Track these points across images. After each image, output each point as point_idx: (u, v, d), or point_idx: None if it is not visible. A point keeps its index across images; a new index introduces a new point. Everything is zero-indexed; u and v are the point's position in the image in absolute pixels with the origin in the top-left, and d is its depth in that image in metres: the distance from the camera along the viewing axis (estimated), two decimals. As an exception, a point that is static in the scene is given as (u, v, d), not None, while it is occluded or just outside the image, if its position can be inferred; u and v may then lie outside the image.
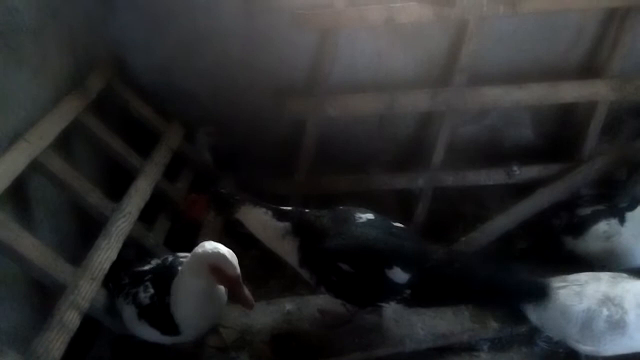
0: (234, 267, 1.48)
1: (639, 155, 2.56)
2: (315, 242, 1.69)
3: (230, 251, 1.52)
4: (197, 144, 2.62)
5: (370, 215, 1.77)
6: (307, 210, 1.79)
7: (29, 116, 1.79)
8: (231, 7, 2.40)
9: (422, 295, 1.70)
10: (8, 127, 1.69)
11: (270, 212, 1.74)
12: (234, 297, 1.53)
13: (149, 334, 1.68)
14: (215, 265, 1.49)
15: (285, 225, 1.72)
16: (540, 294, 1.76)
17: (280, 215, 1.74)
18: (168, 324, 1.61)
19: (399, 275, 1.66)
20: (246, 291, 1.51)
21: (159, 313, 1.62)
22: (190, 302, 1.58)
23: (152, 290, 1.66)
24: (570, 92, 2.52)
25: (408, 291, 1.69)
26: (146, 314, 1.65)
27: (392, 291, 1.70)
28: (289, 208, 1.78)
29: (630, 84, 2.51)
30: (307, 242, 1.70)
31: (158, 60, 2.51)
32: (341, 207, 1.81)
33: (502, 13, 2.35)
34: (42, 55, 1.90)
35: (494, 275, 1.74)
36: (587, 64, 2.64)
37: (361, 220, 1.74)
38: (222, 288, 1.67)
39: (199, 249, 1.52)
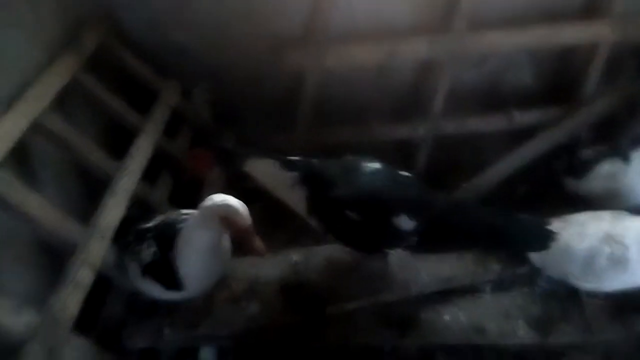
0: (246, 218, 1.49)
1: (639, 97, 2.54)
2: (323, 191, 1.69)
3: (241, 202, 1.52)
4: (195, 100, 2.59)
5: (377, 165, 1.77)
6: (314, 160, 1.78)
7: (24, 77, 1.76)
8: (224, -44, 2.32)
9: (427, 241, 1.74)
10: (4, 89, 1.67)
11: (277, 163, 1.73)
12: (246, 248, 1.54)
13: (153, 290, 1.70)
14: (227, 217, 1.49)
15: (293, 175, 1.72)
16: (543, 240, 1.78)
17: (288, 165, 1.73)
18: (171, 279, 1.63)
19: (405, 222, 1.68)
20: (258, 241, 1.52)
21: (162, 269, 1.63)
22: (195, 257, 1.60)
23: (154, 247, 1.66)
24: (571, 33, 2.49)
25: (414, 238, 1.72)
26: (149, 270, 1.66)
27: (398, 238, 1.73)
28: (296, 158, 1.77)
29: (632, 24, 2.47)
30: (315, 191, 1.71)
31: (150, 14, 2.45)
32: (349, 157, 1.80)
33: (502, -47, 2.29)
34: (34, 14, 1.86)
35: (497, 220, 1.75)
36: (588, 4, 2.58)
37: (368, 169, 1.75)
38: (226, 243, 1.69)
39: (208, 201, 1.52)
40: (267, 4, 2.44)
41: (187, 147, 2.45)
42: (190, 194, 2.24)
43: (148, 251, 1.67)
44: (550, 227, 1.80)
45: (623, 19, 2.46)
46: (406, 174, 1.82)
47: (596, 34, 2.49)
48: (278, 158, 1.74)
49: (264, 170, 1.75)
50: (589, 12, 2.57)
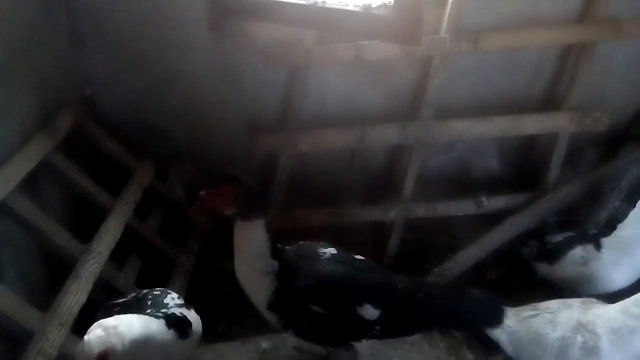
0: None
1: (601, 183, 2.65)
2: (288, 284, 1.62)
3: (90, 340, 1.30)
4: (170, 181, 2.60)
5: (332, 250, 1.74)
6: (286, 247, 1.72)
7: (-5, 158, 1.77)
8: (202, 46, 2.43)
9: (391, 327, 1.70)
10: (-26, 170, 1.67)
11: (269, 243, 1.60)
12: None
13: None
14: None
15: (274, 263, 1.61)
16: (496, 315, 1.80)
17: (274, 251, 1.62)
18: None
19: (369, 311, 1.64)
20: None
21: None
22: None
23: None
24: (533, 124, 2.62)
25: (378, 327, 1.67)
26: None
27: (363, 328, 1.68)
28: (278, 245, 1.67)
29: (588, 116, 2.62)
30: (283, 285, 1.62)
31: (129, 98, 2.52)
32: (302, 243, 1.76)
33: (464, 50, 2.45)
34: (9, 96, 1.89)
35: (452, 299, 1.77)
36: (547, 97, 2.75)
37: (326, 256, 1.71)
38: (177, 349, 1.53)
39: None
40: (242, 92, 2.54)
41: (157, 230, 2.43)
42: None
43: None
44: (499, 304, 1.82)
45: (579, 112, 2.62)
46: (361, 257, 1.79)
47: (556, 124, 2.63)
48: (271, 237, 1.61)
49: (257, 239, 1.59)
50: (548, 104, 2.73)
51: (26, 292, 1.80)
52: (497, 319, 1.79)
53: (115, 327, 1.32)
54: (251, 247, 1.59)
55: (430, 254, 2.71)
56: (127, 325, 1.35)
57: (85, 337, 1.29)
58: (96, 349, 1.26)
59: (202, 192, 1.56)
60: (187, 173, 2.61)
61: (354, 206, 2.74)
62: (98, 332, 1.29)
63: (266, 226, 1.58)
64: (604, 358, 1.68)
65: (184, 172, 2.61)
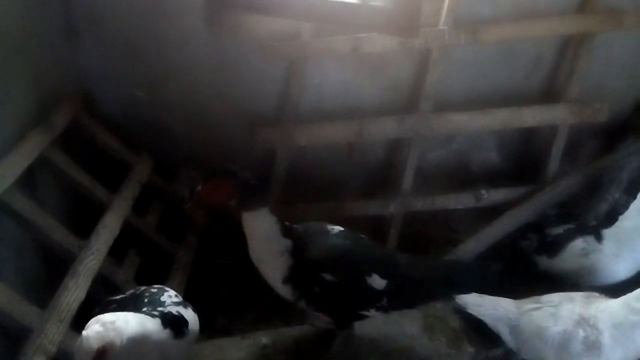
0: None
1: (601, 175, 2.64)
2: (301, 256, 1.69)
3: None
4: (180, 180, 2.59)
5: (340, 227, 1.83)
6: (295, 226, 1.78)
7: (-9, 154, 1.75)
8: (199, 40, 2.40)
9: (397, 298, 1.78)
10: (-30, 167, 1.65)
11: (278, 225, 1.67)
12: None
13: None
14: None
15: (287, 242, 1.69)
16: (486, 280, 1.95)
17: (285, 231, 1.69)
18: None
19: (377, 281, 1.72)
20: None
21: None
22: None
23: None
24: (532, 116, 2.61)
25: (385, 298, 1.75)
26: None
27: (372, 298, 1.75)
28: (289, 224, 1.74)
29: (587, 107, 2.61)
30: (298, 260, 1.69)
31: (127, 93, 2.50)
32: (309, 223, 1.84)
33: (463, 42, 2.43)
34: (5, 91, 1.86)
35: (450, 269, 1.94)
36: (546, 89, 2.74)
37: (334, 232, 1.80)
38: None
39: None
40: (240, 86, 2.52)
41: (156, 225, 2.42)
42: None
43: None
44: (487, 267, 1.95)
45: (579, 103, 2.61)
46: (363, 236, 1.88)
47: (555, 116, 2.62)
48: (279, 219, 1.68)
49: (264, 226, 1.66)
50: (547, 96, 2.72)
51: (24, 288, 1.79)
52: (488, 283, 1.93)
53: (113, 323, 1.31)
54: (261, 232, 1.67)
55: (429, 247, 2.70)
56: (124, 322, 1.34)
57: (84, 332, 1.28)
58: (95, 345, 1.25)
59: (199, 187, 1.61)
60: (194, 177, 2.60)
61: (353, 200, 2.73)
62: (96, 328, 1.28)
63: (271, 211, 1.65)
64: (605, 353, 1.67)
65: (191, 175, 2.60)
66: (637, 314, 1.65)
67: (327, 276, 1.69)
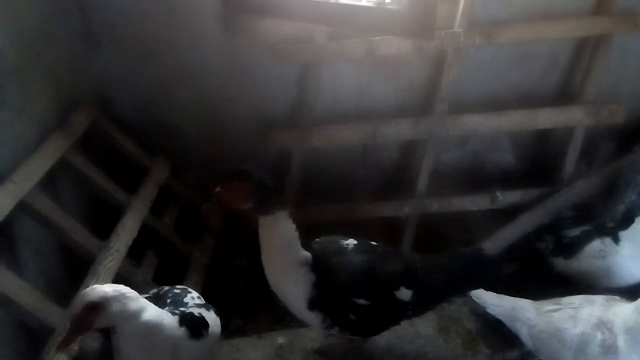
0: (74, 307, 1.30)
1: (617, 177, 2.62)
2: (328, 280, 1.60)
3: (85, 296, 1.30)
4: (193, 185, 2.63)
5: (353, 240, 1.76)
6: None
7: (13, 157, 1.79)
8: (213, 43, 2.43)
9: (420, 304, 1.75)
10: (-6, 169, 1.69)
11: (297, 232, 1.58)
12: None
13: None
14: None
15: (307, 255, 1.59)
16: (495, 272, 1.97)
17: (305, 242, 1.60)
18: None
19: (405, 293, 1.69)
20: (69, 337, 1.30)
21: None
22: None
23: None
24: (547, 118, 2.60)
25: (411, 307, 1.72)
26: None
27: (402, 311, 1.73)
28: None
29: (604, 109, 2.60)
30: (323, 279, 1.59)
31: (142, 96, 2.53)
32: (320, 239, 1.76)
33: (478, 44, 2.43)
34: (25, 95, 1.90)
35: (462, 267, 1.85)
36: (562, 91, 2.73)
37: (350, 248, 1.73)
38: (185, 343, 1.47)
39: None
40: (253, 89, 2.54)
41: (173, 226, 2.45)
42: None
43: None
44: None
45: (595, 105, 2.59)
46: (375, 243, 1.82)
47: (571, 118, 2.61)
48: (298, 229, 1.59)
49: (284, 232, 1.56)
50: (563, 98, 2.71)
51: (46, 288, 1.83)
52: (497, 274, 1.97)
53: (125, 295, 1.30)
54: (279, 239, 1.57)
55: (444, 249, 2.69)
56: (140, 305, 1.33)
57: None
58: (89, 298, 1.24)
59: (217, 189, 1.56)
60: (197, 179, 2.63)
61: (368, 202, 2.74)
62: (106, 287, 1.28)
63: (291, 216, 1.56)
64: (622, 358, 1.66)
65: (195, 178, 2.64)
66: None
67: (360, 300, 1.63)
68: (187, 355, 1.48)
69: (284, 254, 1.58)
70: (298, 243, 1.58)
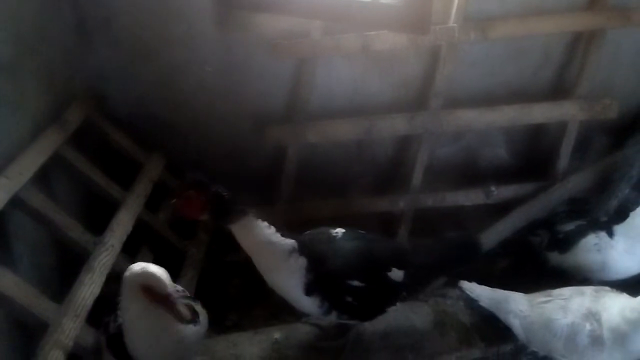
0: (164, 284, 1.41)
1: (611, 171, 2.64)
2: (320, 266, 1.63)
3: (161, 269, 1.43)
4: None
5: (341, 229, 1.79)
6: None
7: (7, 152, 1.78)
8: (208, 39, 2.42)
9: (412, 286, 1.81)
10: (-14, 164, 1.68)
11: (272, 228, 1.59)
12: (171, 314, 1.45)
13: None
14: (146, 285, 1.41)
15: (291, 242, 1.61)
16: (472, 247, 1.99)
17: (284, 233, 1.62)
18: (124, 355, 1.51)
19: (397, 274, 1.73)
20: (181, 307, 1.45)
21: (120, 342, 1.52)
22: (137, 330, 1.49)
23: (120, 319, 1.55)
24: (541, 113, 2.61)
25: (404, 288, 1.77)
26: (112, 343, 1.55)
27: (396, 292, 1.78)
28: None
29: (598, 103, 2.61)
30: (314, 263, 1.62)
31: (137, 92, 2.52)
32: (309, 232, 1.78)
33: (472, 39, 2.44)
34: (19, 91, 1.89)
35: (450, 248, 1.92)
36: (556, 86, 2.74)
37: (339, 236, 1.76)
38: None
39: (127, 272, 1.45)
40: (249, 84, 2.53)
41: (169, 220, 2.44)
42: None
43: (114, 323, 1.56)
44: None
45: (588, 100, 2.60)
46: (363, 232, 1.85)
47: (565, 113, 2.62)
48: (272, 224, 1.61)
49: (257, 233, 1.57)
50: (557, 93, 2.72)
51: (40, 284, 1.81)
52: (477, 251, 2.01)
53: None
54: (257, 240, 1.59)
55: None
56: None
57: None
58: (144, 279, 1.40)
59: (173, 200, 1.55)
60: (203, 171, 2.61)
61: (363, 197, 2.75)
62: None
63: (258, 216, 1.58)
64: (607, 349, 1.69)
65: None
66: (629, 324, 1.67)
67: (355, 282, 1.67)
68: (186, 342, 1.52)
69: (268, 251, 1.60)
70: (277, 235, 1.60)
